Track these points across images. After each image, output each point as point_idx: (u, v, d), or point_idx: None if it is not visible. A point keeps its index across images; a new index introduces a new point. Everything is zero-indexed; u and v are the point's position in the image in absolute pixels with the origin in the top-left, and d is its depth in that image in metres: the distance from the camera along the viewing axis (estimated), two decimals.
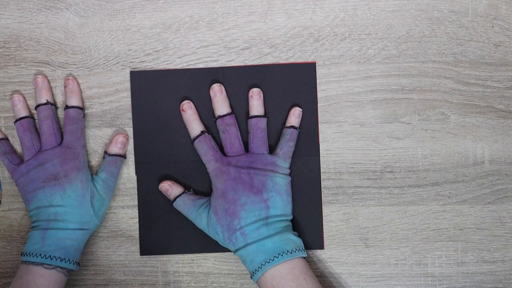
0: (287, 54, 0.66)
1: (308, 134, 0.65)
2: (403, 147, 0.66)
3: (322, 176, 0.66)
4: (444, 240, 0.66)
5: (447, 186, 0.65)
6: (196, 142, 0.64)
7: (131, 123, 0.66)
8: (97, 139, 0.67)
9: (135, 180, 0.67)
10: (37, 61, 0.67)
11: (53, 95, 0.66)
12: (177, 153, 0.66)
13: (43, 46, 0.67)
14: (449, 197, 0.66)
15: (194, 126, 0.64)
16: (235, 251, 0.62)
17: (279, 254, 0.60)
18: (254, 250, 0.60)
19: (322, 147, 0.66)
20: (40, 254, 0.60)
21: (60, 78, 0.67)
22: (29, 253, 0.61)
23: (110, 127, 0.67)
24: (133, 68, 0.66)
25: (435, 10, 0.65)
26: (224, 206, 0.61)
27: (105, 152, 0.65)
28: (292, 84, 0.65)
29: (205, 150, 0.63)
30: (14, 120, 0.65)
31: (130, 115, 0.67)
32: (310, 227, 0.66)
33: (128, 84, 0.66)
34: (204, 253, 0.67)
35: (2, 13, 0.67)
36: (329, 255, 0.66)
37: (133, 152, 0.66)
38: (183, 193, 0.64)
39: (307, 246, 0.65)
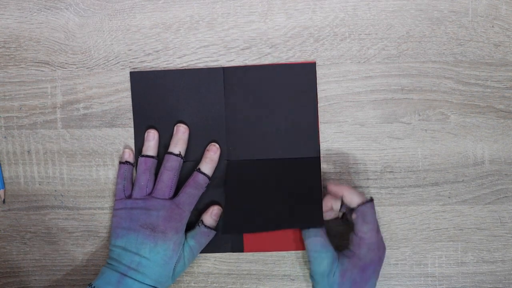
0: (287, 54, 0.66)
1: (308, 134, 0.65)
2: (403, 147, 0.66)
3: (322, 176, 0.66)
4: (444, 240, 0.66)
5: (447, 186, 0.65)
6: (367, 205, 0.60)
7: (131, 123, 0.67)
8: (97, 139, 0.67)
9: None
10: (37, 61, 0.67)
11: (185, 149, 0.65)
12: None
13: (43, 46, 0.67)
14: (449, 197, 0.66)
15: (361, 195, 0.61)
16: None
17: None
18: None
19: (322, 147, 0.66)
20: None
21: (60, 78, 0.67)
22: None
23: (110, 127, 0.67)
24: (133, 68, 0.66)
25: (435, 10, 0.65)
26: (355, 278, 0.59)
27: (201, 221, 0.64)
28: (292, 84, 0.65)
29: (373, 218, 0.60)
30: (141, 154, 0.64)
31: (130, 115, 0.67)
32: (311, 228, 0.66)
33: (128, 84, 0.67)
34: (204, 253, 0.67)
35: (2, 13, 0.67)
36: None
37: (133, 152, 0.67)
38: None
39: None
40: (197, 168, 0.64)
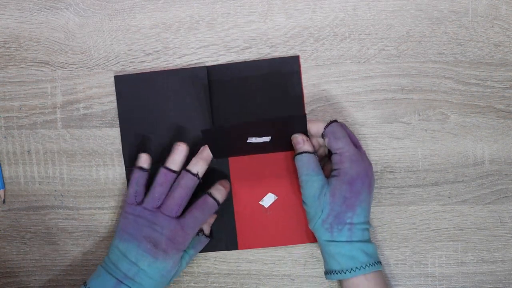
0: (287, 54, 0.66)
1: (297, 125, 0.65)
2: (403, 147, 0.66)
3: None
4: (444, 240, 0.66)
5: (447, 186, 0.65)
6: (332, 125, 0.61)
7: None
8: (97, 139, 0.67)
9: None
10: (37, 61, 0.67)
11: (204, 171, 0.63)
12: (166, 155, 0.66)
13: (43, 46, 0.67)
14: (449, 197, 0.66)
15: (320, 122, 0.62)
16: (328, 241, 0.60)
17: (379, 261, 0.60)
18: (359, 248, 0.59)
19: None
20: None
21: (60, 78, 0.67)
22: None
23: (110, 127, 0.67)
24: (134, 69, 0.66)
25: (435, 10, 0.65)
26: (345, 194, 0.59)
27: (201, 231, 0.64)
28: (277, 77, 0.65)
29: (344, 133, 0.61)
30: (162, 165, 0.62)
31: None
32: (304, 223, 0.65)
33: None
34: (204, 253, 0.67)
35: (2, 13, 0.67)
36: None
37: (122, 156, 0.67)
38: (311, 153, 0.61)
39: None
40: (209, 192, 0.63)
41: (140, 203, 0.62)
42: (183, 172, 0.62)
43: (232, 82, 0.65)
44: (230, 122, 0.63)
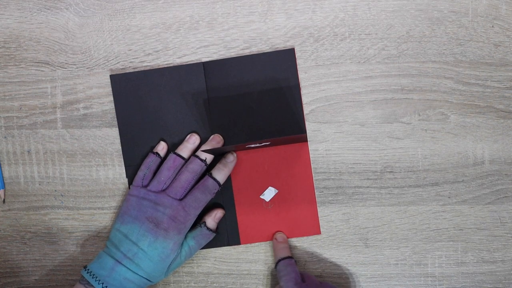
0: None
1: (294, 119, 0.65)
2: (403, 147, 0.66)
3: (322, 176, 0.66)
4: (444, 240, 0.66)
5: (447, 186, 0.65)
6: (282, 262, 0.63)
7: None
8: (97, 139, 0.67)
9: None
10: (37, 61, 0.67)
11: (212, 158, 0.65)
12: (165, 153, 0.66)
13: (43, 46, 0.67)
14: (449, 197, 0.66)
15: (284, 252, 0.64)
16: None
17: None
18: None
19: (322, 147, 0.66)
20: (103, 283, 0.60)
21: (60, 78, 0.67)
22: (93, 274, 0.60)
23: (110, 127, 0.67)
24: (134, 68, 0.66)
25: (435, 10, 0.65)
26: None
27: (204, 223, 0.64)
28: (273, 71, 0.65)
29: (288, 271, 0.62)
30: (173, 151, 0.65)
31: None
32: (305, 216, 0.66)
33: None
34: (204, 253, 0.67)
35: (2, 13, 0.67)
36: (329, 255, 0.66)
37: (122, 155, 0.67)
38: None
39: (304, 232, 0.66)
40: (209, 173, 0.64)
41: (146, 186, 0.64)
42: (192, 157, 0.64)
43: (229, 77, 0.65)
44: (235, 146, 0.64)
